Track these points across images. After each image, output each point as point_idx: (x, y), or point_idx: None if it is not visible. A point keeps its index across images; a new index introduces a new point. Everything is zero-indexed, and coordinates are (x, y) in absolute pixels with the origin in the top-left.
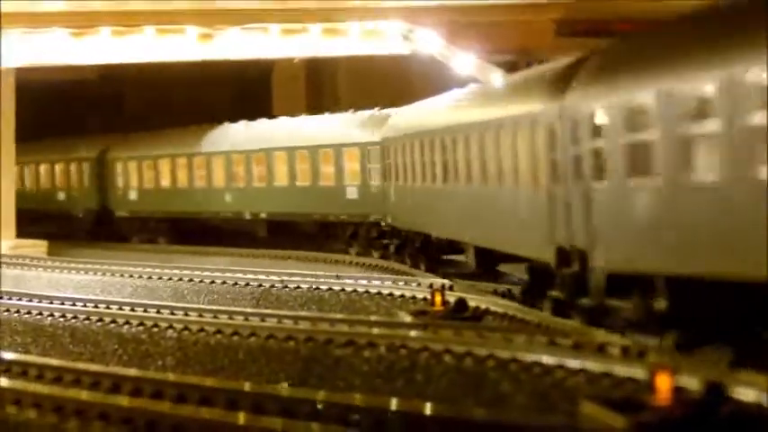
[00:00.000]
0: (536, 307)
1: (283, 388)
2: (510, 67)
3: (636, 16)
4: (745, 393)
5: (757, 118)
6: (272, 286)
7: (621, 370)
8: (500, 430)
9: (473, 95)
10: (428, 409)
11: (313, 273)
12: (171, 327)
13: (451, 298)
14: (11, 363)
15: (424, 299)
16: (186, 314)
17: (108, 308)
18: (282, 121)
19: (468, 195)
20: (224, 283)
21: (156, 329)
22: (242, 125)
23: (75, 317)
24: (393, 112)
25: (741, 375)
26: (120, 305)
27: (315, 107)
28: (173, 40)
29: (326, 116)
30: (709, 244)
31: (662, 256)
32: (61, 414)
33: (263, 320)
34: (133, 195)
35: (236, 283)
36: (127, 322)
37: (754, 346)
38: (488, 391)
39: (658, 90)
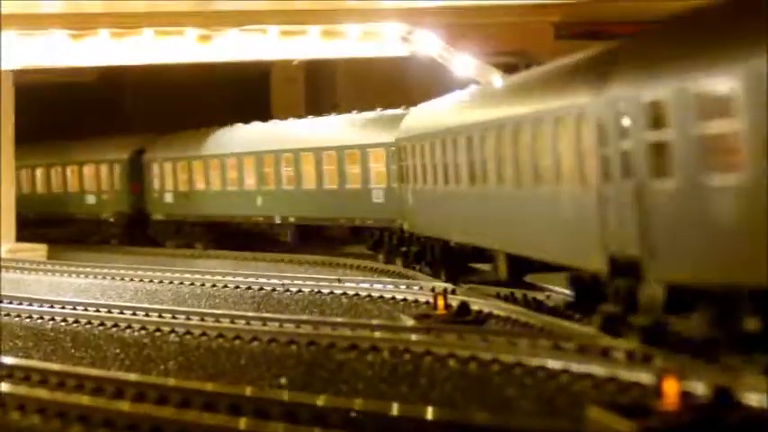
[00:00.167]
0: (582, 322)
1: (285, 391)
2: (509, 70)
3: (634, 18)
4: (755, 399)
5: None
6: (273, 290)
7: (627, 374)
8: None
9: (502, 89)
10: (432, 413)
11: (314, 276)
12: (173, 331)
13: (454, 302)
14: (13, 368)
15: (427, 302)
16: (188, 318)
17: (109, 312)
18: (310, 121)
19: (498, 198)
20: (225, 286)
21: (158, 334)
22: (271, 124)
23: (76, 321)
24: (415, 110)
25: (749, 380)
26: (122, 309)
27: (314, 109)
28: (172, 42)
29: (354, 115)
30: None
31: (752, 267)
32: (65, 420)
33: (264, 324)
34: (169, 198)
35: (237, 287)
36: (129, 326)
37: None
38: (493, 396)
39: (747, 68)
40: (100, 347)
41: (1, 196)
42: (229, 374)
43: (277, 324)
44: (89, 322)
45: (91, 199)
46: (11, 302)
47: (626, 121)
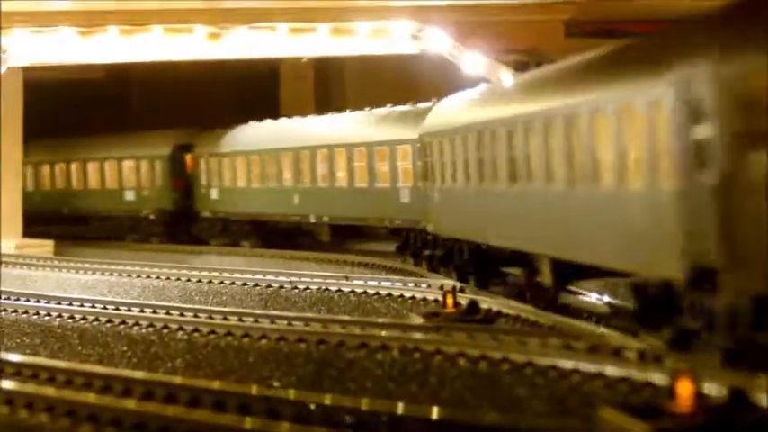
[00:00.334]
0: (652, 334)
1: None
2: (519, 68)
3: (645, 17)
4: None
5: None
6: (281, 287)
7: (639, 374)
8: None
9: (544, 77)
10: (442, 413)
11: (322, 273)
12: (181, 328)
13: (463, 300)
14: (20, 365)
15: (435, 300)
16: (196, 316)
17: (117, 309)
18: (343, 116)
19: (545, 197)
20: (232, 283)
21: (165, 331)
22: (309, 120)
23: (83, 318)
24: (443, 102)
25: (764, 381)
26: (129, 306)
27: (323, 107)
28: (181, 40)
29: (385, 109)
30: None
31: None
32: (74, 418)
33: (272, 322)
34: (214, 194)
35: (244, 284)
36: (136, 323)
37: None
38: (503, 396)
39: None
40: (107, 345)
41: (7, 193)
42: (237, 372)
43: (285, 322)
44: (96, 319)
45: (130, 195)
46: (18, 299)
47: (706, 106)
